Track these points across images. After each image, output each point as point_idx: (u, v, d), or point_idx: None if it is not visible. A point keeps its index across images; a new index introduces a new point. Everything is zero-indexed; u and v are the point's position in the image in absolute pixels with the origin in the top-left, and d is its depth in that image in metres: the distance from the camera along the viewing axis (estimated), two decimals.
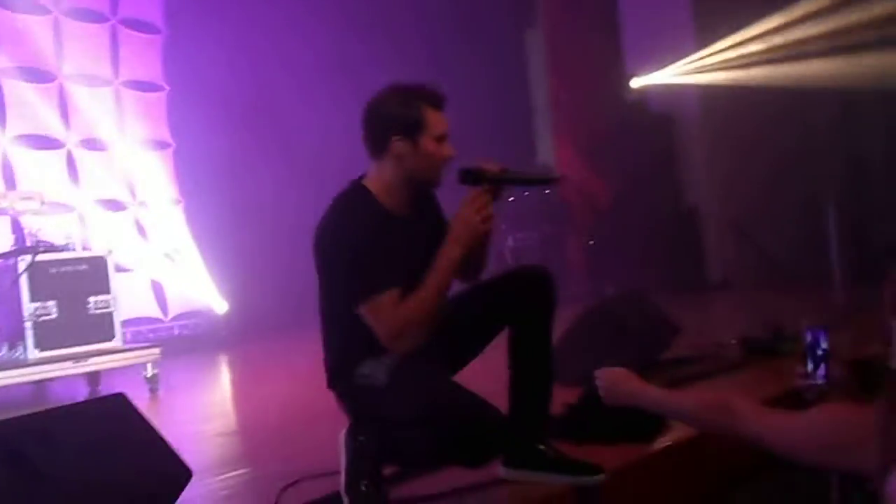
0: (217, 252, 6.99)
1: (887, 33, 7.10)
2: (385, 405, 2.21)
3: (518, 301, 2.38)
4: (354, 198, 2.30)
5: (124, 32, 6.92)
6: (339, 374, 2.32)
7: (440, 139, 2.28)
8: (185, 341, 6.67)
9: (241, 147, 7.15)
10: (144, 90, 7.01)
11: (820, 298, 5.65)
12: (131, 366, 4.75)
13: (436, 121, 2.27)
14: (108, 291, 4.74)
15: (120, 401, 1.99)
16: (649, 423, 2.88)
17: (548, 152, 9.12)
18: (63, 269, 4.60)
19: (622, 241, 7.90)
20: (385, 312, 2.18)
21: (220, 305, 7.06)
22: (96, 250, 5.10)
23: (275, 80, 7.42)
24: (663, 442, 2.80)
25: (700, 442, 2.87)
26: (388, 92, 2.31)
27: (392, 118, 2.26)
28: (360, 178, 2.34)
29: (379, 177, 2.30)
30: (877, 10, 7.19)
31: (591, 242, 8.39)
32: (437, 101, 2.29)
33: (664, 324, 4.08)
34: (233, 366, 6.26)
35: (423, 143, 2.26)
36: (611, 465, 2.46)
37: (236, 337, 6.92)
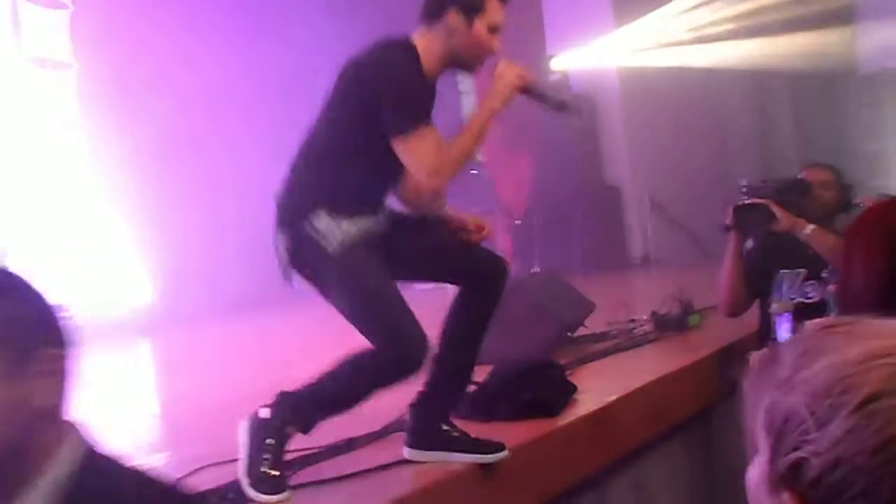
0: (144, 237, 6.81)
1: (796, 14, 7.32)
2: (324, 274, 2.28)
3: (478, 280, 2.42)
4: (406, 47, 2.35)
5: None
6: (294, 216, 2.29)
7: (493, 30, 2.34)
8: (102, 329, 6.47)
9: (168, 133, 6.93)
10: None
11: None
12: None
13: (495, 10, 2.33)
14: None
15: None
16: (556, 397, 2.94)
17: None
18: None
19: (547, 220, 7.99)
20: (430, 145, 2.25)
21: (143, 293, 6.90)
22: None
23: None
24: (570, 416, 2.86)
25: (607, 415, 2.95)
26: None
27: None
28: (407, 36, 2.37)
29: (425, 43, 2.35)
30: None
31: (518, 222, 8.46)
32: None
33: (578, 302, 4.16)
34: (155, 353, 6.14)
35: (476, 26, 2.32)
36: (517, 441, 2.51)
37: (159, 325, 6.74)
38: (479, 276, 2.43)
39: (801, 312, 2.87)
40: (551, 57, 8.34)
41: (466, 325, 2.43)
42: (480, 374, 2.87)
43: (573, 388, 3.05)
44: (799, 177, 3.27)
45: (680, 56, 7.78)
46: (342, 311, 2.28)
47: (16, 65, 6.50)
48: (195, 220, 6.82)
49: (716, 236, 7.88)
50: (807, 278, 3.09)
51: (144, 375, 5.40)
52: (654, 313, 4.15)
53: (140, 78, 6.85)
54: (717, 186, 7.90)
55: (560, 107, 2.49)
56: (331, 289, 2.29)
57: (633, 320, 4.28)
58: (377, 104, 2.26)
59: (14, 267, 1.08)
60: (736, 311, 3.31)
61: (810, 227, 2.99)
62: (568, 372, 3.27)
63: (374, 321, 2.23)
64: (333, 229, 2.24)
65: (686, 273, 6.71)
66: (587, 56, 8.13)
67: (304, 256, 2.29)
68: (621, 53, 7.98)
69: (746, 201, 3.13)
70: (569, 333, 4.00)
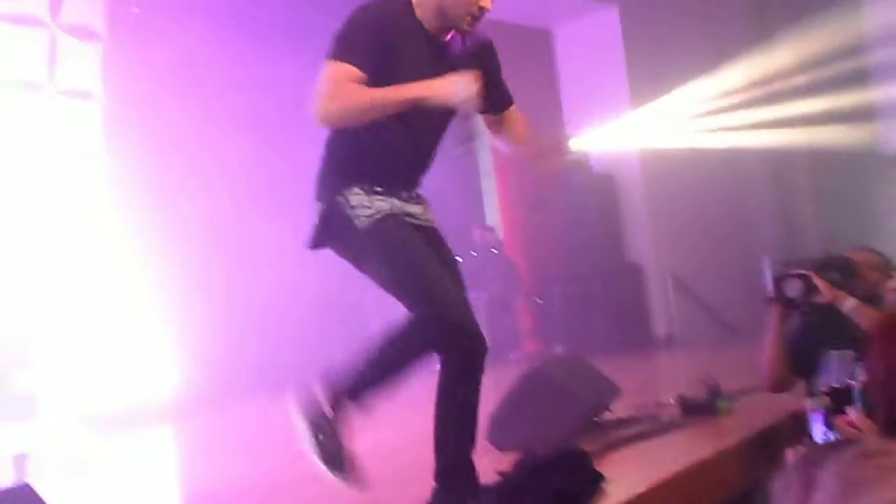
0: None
1: (814, 96, 7.41)
2: (356, 247, 2.35)
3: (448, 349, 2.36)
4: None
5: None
6: (329, 189, 2.38)
7: None
8: (125, 415, 6.42)
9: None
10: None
11: (760, 353, 5.74)
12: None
13: None
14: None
15: (26, 491, 1.91)
16: (584, 488, 2.87)
17: (495, 214, 9.21)
18: None
19: (569, 300, 7.96)
20: (333, 77, 2.23)
21: (169, 375, 6.86)
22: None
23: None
24: None
25: None
26: None
27: None
28: None
29: None
30: (805, 74, 7.51)
31: (539, 301, 8.44)
32: None
33: (603, 385, 4.10)
34: (178, 441, 6.05)
35: None
36: None
37: (185, 409, 6.60)
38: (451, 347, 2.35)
39: (846, 396, 2.82)
40: (570, 136, 8.45)
41: (456, 407, 2.41)
42: (506, 463, 2.82)
43: (601, 478, 2.98)
44: (845, 256, 3.24)
45: (698, 137, 7.86)
46: (378, 282, 2.34)
47: (48, 96, 6.60)
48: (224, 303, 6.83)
49: (739, 315, 7.86)
50: (858, 358, 3.02)
51: (170, 464, 5.31)
52: (680, 397, 4.07)
53: (168, 162, 6.98)
54: (739, 265, 7.90)
55: (465, 140, 2.46)
56: (363, 261, 2.37)
57: (659, 404, 4.20)
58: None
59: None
60: (778, 387, 3.24)
61: (852, 301, 2.95)
62: (594, 459, 3.20)
63: (408, 285, 2.28)
64: (365, 204, 2.32)
65: (711, 353, 6.64)
66: (605, 135, 8.23)
67: (333, 229, 2.36)
68: (640, 132, 8.08)
69: (787, 272, 3.11)
70: (594, 418, 3.93)
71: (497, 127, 2.65)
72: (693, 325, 7.78)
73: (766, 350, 3.17)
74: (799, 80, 7.50)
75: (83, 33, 6.91)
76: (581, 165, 8.46)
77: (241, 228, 7.22)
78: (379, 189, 2.36)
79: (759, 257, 7.51)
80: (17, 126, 6.47)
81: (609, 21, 8.16)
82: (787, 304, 3.13)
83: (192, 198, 7.00)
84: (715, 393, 3.96)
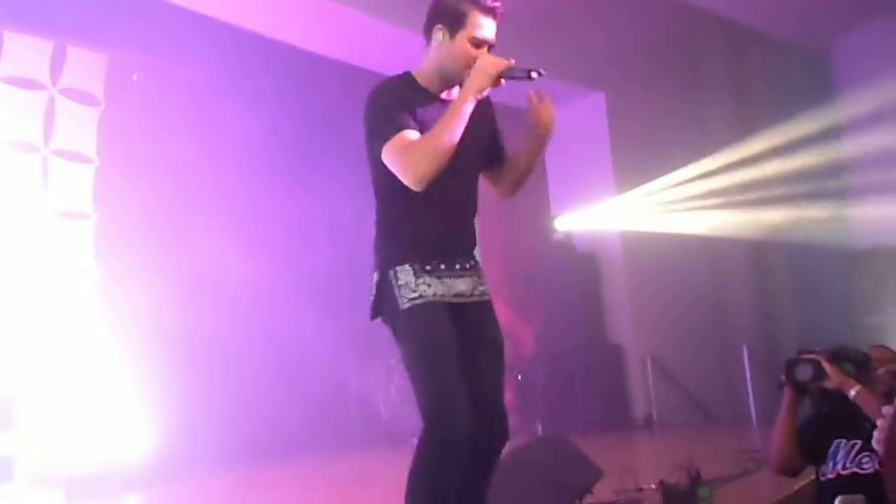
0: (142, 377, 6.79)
1: (792, 189, 7.64)
2: (395, 325, 2.40)
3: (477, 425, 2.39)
4: (398, 76, 2.52)
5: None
6: (383, 256, 2.48)
7: (477, 43, 2.45)
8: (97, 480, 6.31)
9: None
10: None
11: (739, 439, 5.80)
12: None
13: (477, 24, 2.45)
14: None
15: None
16: None
17: None
18: None
19: (550, 377, 7.99)
20: (399, 147, 2.34)
21: (140, 440, 6.78)
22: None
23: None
24: None
25: None
26: None
27: (441, 9, 2.48)
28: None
29: (424, 62, 2.52)
30: (783, 167, 7.75)
31: (519, 378, 8.46)
32: (487, 9, 2.47)
33: (585, 467, 4.12)
34: None
35: (458, 39, 2.45)
36: None
37: (157, 475, 6.47)
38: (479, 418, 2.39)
39: (853, 484, 2.87)
40: (555, 217, 8.61)
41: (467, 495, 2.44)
42: None
43: None
44: (861, 349, 3.31)
45: (680, 222, 8.04)
46: (404, 365, 2.40)
47: (40, 216, 6.69)
48: (195, 374, 6.82)
49: (716, 400, 7.90)
50: (861, 449, 3.07)
51: None
52: (662, 483, 4.09)
53: (156, 230, 7.05)
54: (717, 351, 8.00)
55: (528, 74, 2.53)
56: (398, 340, 2.42)
57: (640, 489, 4.22)
58: (372, 137, 2.44)
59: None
60: (785, 470, 3.26)
61: (858, 387, 3.02)
62: None
63: (420, 385, 2.33)
64: (411, 286, 2.37)
65: (689, 438, 6.68)
66: (590, 217, 8.39)
67: (383, 302, 2.44)
68: (623, 216, 8.24)
69: (799, 356, 3.17)
70: (577, 501, 3.94)
71: (494, 180, 2.73)
72: (671, 407, 7.83)
73: (776, 432, 3.21)
74: (778, 172, 7.73)
75: (82, 97, 7.05)
76: (565, 245, 8.60)
77: (223, 295, 7.26)
78: (429, 268, 2.42)
79: (736, 344, 7.64)
80: (7, 184, 6.53)
81: (595, 107, 8.40)
82: (798, 388, 3.18)
83: (176, 263, 7.05)
84: (696, 480, 3.99)
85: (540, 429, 7.43)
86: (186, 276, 7.06)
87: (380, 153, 2.39)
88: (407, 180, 2.34)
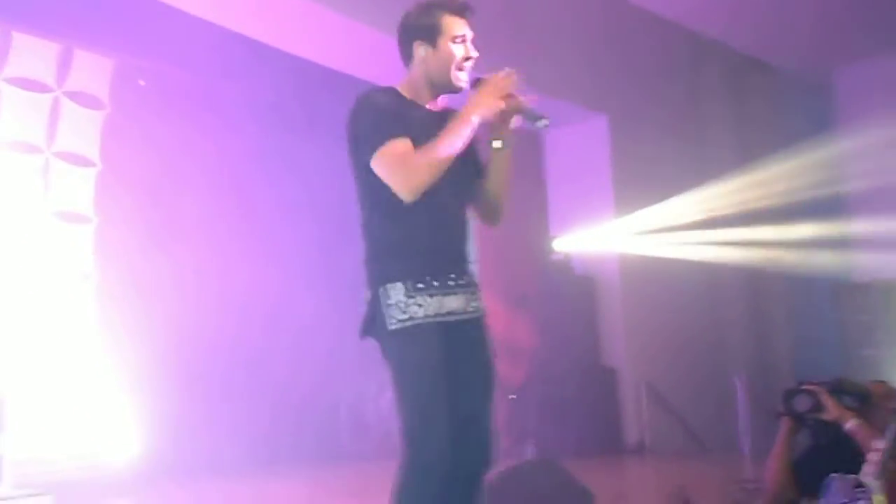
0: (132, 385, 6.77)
1: (790, 219, 7.66)
2: (384, 345, 2.36)
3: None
4: (384, 89, 2.49)
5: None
6: (374, 274, 2.42)
7: (457, 40, 2.46)
8: (85, 484, 6.29)
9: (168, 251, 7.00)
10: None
11: (730, 469, 5.78)
12: None
13: (452, 24, 2.46)
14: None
15: None
16: None
17: None
18: None
19: (543, 398, 7.96)
20: (391, 155, 2.31)
21: (130, 445, 6.75)
22: None
23: None
24: None
25: None
26: (412, 6, 2.51)
27: (413, 26, 2.49)
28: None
29: (407, 80, 2.51)
30: (782, 196, 7.79)
31: (513, 397, 8.42)
32: (456, 8, 2.48)
33: (578, 492, 4.10)
34: None
35: (441, 46, 2.45)
36: None
37: (146, 481, 6.42)
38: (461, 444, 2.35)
39: None
40: (554, 238, 8.61)
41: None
42: None
43: None
44: (862, 383, 3.30)
45: (678, 248, 8.05)
46: (392, 386, 2.36)
47: (41, 218, 6.68)
48: (189, 379, 6.81)
49: (709, 428, 7.87)
50: (858, 484, 3.05)
51: None
52: None
53: (156, 236, 7.04)
54: (711, 379, 7.98)
55: (537, 117, 2.53)
56: (387, 359, 2.39)
57: None
58: (361, 150, 2.40)
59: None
60: (780, 501, 3.24)
61: (855, 421, 3.01)
62: None
63: (404, 409, 2.31)
64: (401, 306, 2.33)
65: (681, 465, 6.66)
66: (589, 239, 8.39)
67: (373, 322, 2.40)
68: (622, 239, 8.24)
69: (798, 387, 3.16)
70: None
71: (476, 204, 2.62)
72: (664, 433, 7.80)
73: (772, 463, 3.19)
74: (778, 204, 7.76)
75: (86, 100, 7.06)
76: (564, 266, 8.59)
77: (222, 304, 7.25)
78: (421, 285, 2.35)
79: (730, 373, 7.63)
80: (8, 185, 6.53)
81: (598, 129, 8.41)
82: (796, 418, 3.17)
83: (175, 270, 7.04)
84: None
85: (532, 450, 7.39)
86: (185, 282, 7.06)
87: (368, 161, 2.35)
88: (400, 190, 2.31)
